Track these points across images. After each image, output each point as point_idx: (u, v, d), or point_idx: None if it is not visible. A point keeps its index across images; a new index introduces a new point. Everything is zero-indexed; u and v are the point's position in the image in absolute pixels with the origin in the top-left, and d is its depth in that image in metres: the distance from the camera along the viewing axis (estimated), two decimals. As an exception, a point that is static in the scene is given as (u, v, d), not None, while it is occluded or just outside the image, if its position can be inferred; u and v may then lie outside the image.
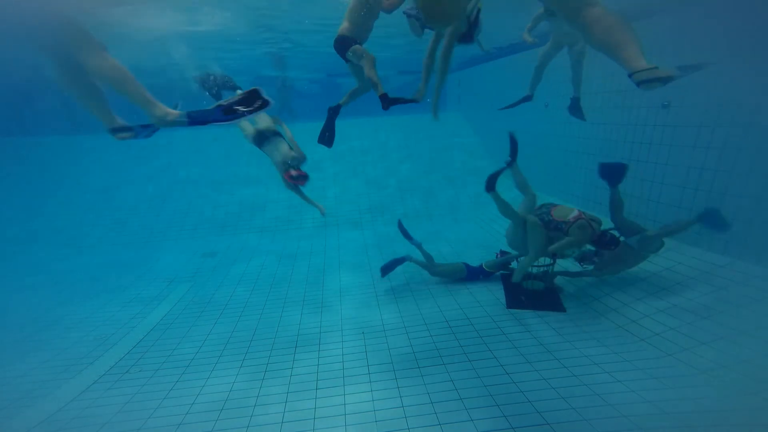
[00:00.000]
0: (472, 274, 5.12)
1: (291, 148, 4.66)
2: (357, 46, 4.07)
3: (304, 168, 4.68)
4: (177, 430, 2.93)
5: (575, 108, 5.37)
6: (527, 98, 5.55)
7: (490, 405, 2.94)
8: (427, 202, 8.83)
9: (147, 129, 2.88)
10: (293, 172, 4.48)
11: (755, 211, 3.71)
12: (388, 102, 4.10)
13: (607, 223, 4.25)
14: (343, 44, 4.12)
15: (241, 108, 2.56)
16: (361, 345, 3.90)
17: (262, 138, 4.72)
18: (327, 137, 4.64)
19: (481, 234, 7.04)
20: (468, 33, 3.47)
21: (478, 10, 3.42)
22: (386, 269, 5.08)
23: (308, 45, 8.79)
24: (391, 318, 4.40)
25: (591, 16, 2.58)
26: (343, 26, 4.15)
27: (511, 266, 5.14)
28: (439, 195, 9.05)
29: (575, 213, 4.09)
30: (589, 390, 3.02)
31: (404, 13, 3.82)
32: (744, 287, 3.57)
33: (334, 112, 4.53)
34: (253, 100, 2.62)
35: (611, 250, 4.05)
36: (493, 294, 4.78)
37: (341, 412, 2.98)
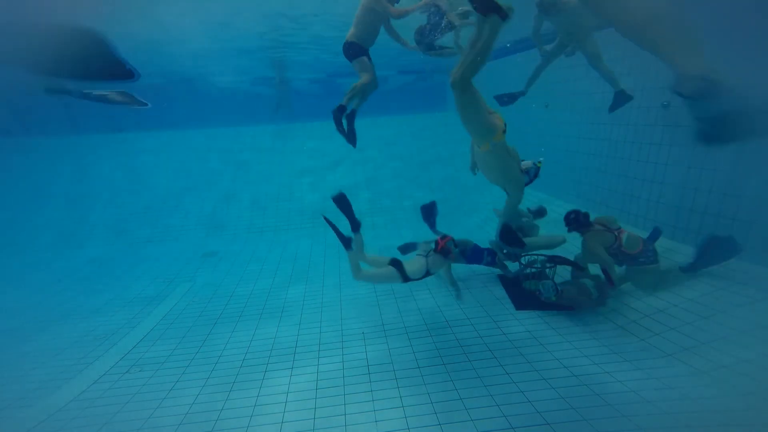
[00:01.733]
0: (477, 252, 4.84)
1: (423, 254, 4.18)
2: (364, 58, 4.38)
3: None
4: (177, 430, 2.93)
5: (621, 100, 5.04)
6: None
7: (490, 405, 2.94)
8: (427, 201, 8.82)
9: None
10: (449, 247, 4.15)
11: (755, 211, 3.71)
12: (342, 114, 4.50)
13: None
14: (350, 51, 4.31)
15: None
16: (361, 345, 3.90)
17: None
18: (351, 138, 4.84)
19: (479, 233, 7.03)
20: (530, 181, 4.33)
21: (538, 169, 4.29)
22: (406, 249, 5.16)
23: (309, 45, 8.79)
24: (391, 318, 4.40)
25: (633, 16, 2.32)
26: (351, 32, 4.29)
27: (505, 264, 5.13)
28: (439, 194, 9.04)
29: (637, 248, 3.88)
30: (589, 390, 3.02)
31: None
32: (744, 287, 3.57)
33: (344, 114, 4.61)
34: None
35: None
36: (493, 294, 4.77)
37: (341, 412, 2.98)
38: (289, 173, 9.80)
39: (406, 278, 3.91)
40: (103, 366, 3.85)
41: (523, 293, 4.61)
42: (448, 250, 4.20)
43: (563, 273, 4.79)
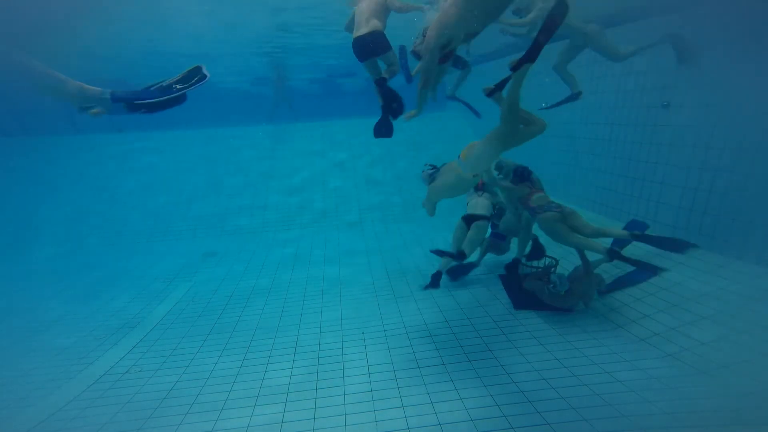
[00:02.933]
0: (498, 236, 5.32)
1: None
2: (393, 49, 4.28)
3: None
4: (177, 430, 2.93)
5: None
6: (575, 96, 5.53)
7: (490, 405, 2.94)
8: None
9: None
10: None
11: (755, 211, 3.71)
12: (385, 83, 4.52)
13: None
14: (378, 42, 4.15)
15: (179, 86, 2.81)
16: (361, 345, 3.90)
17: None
18: (396, 104, 4.63)
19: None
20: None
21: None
22: (456, 273, 5.26)
23: (309, 45, 8.79)
24: (391, 318, 4.40)
25: None
26: (373, 23, 4.11)
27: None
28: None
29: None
30: (589, 390, 3.02)
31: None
32: (744, 287, 3.57)
33: (387, 90, 4.49)
34: (192, 77, 2.94)
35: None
36: (493, 294, 4.78)
37: (341, 412, 2.98)
38: (289, 173, 9.80)
39: (485, 218, 4.73)
40: (104, 366, 3.85)
41: (523, 293, 4.60)
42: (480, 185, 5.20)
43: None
